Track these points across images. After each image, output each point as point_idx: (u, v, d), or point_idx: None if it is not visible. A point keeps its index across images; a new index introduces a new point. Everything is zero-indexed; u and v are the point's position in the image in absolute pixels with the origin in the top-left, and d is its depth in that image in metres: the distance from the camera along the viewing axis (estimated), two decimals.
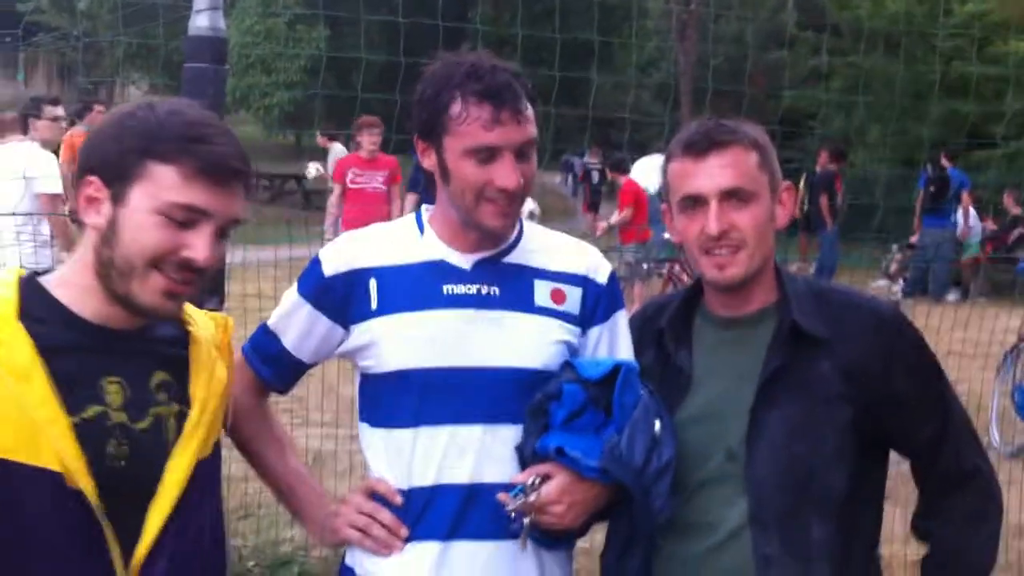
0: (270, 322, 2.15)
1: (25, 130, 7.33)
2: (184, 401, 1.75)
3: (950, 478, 2.04)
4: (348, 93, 11.99)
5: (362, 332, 2.04)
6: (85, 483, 1.59)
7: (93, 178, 1.65)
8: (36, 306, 1.64)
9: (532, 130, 1.96)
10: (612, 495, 1.95)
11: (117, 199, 1.64)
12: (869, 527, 2.06)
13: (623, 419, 1.93)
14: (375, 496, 2.06)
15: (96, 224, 1.66)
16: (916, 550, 2.15)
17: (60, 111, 7.76)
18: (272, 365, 2.14)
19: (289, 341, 2.12)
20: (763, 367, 1.98)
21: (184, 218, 1.63)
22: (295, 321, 2.10)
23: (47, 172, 6.90)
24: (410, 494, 2.02)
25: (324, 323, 2.07)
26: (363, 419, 2.12)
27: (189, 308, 1.81)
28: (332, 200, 10.61)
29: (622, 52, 22.72)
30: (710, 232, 1.97)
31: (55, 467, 1.57)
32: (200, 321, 1.85)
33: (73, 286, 1.69)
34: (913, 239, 14.97)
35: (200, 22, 3.56)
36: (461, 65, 1.94)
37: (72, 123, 8.33)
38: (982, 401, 7.11)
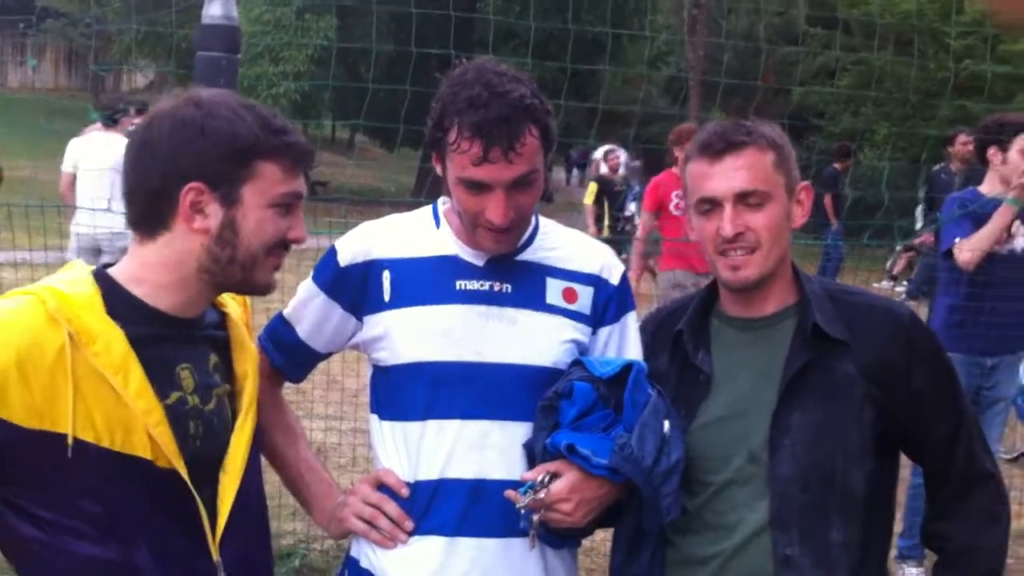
0: (286, 311, 2.16)
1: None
2: (229, 379, 1.87)
3: (964, 480, 2.04)
4: (356, 83, 11.98)
5: (375, 324, 2.05)
6: (179, 464, 1.69)
7: (197, 184, 1.70)
8: (117, 301, 1.70)
9: (527, 166, 1.90)
10: (620, 494, 1.95)
11: (229, 201, 1.73)
12: (884, 529, 2.06)
13: (634, 418, 1.92)
14: (382, 488, 2.06)
15: (203, 227, 1.73)
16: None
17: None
18: (287, 354, 2.15)
19: (304, 330, 2.13)
20: (784, 368, 1.98)
21: (291, 203, 1.79)
22: (310, 310, 2.11)
23: None
24: (416, 487, 2.02)
25: (338, 313, 2.08)
26: (373, 411, 2.12)
27: None
28: (639, 234, 8.50)
29: (631, 46, 22.71)
30: (724, 235, 1.97)
31: (145, 454, 1.66)
32: (229, 302, 1.94)
33: (148, 283, 1.75)
34: (917, 240, 14.91)
35: (213, 11, 3.55)
36: (467, 87, 1.89)
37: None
38: None
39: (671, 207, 7.66)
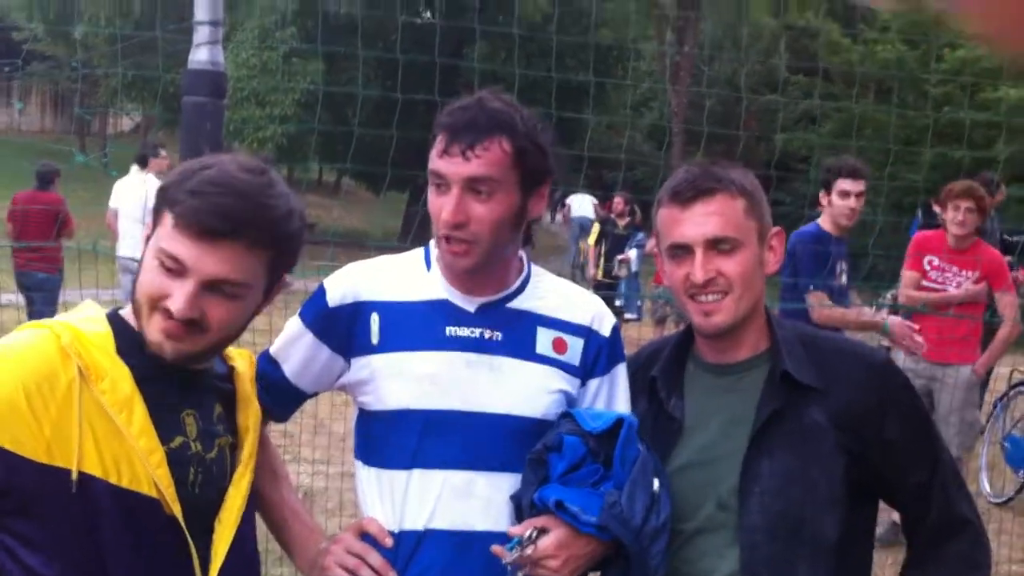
0: (272, 349, 2.13)
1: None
2: (232, 432, 1.87)
3: (942, 527, 2.02)
4: (343, 127, 12.03)
5: (362, 367, 2.02)
6: (177, 508, 1.69)
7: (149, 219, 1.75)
8: (127, 341, 1.72)
9: (483, 169, 1.89)
10: (608, 550, 1.92)
11: (148, 240, 1.74)
12: (858, 575, 2.04)
13: (624, 475, 1.90)
14: (365, 536, 2.02)
15: None
16: None
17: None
18: (272, 392, 2.11)
19: (290, 369, 2.09)
20: (755, 415, 1.97)
21: (170, 267, 1.67)
22: (297, 349, 2.08)
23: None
24: (400, 537, 1.99)
25: (326, 353, 2.05)
26: (357, 457, 2.09)
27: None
28: (900, 293, 6.36)
29: (615, 93, 22.90)
30: (695, 280, 1.97)
31: (152, 493, 1.66)
32: (236, 357, 1.95)
33: None
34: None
35: (200, 56, 3.57)
36: (463, 101, 1.96)
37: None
38: (972, 449, 7.10)
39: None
